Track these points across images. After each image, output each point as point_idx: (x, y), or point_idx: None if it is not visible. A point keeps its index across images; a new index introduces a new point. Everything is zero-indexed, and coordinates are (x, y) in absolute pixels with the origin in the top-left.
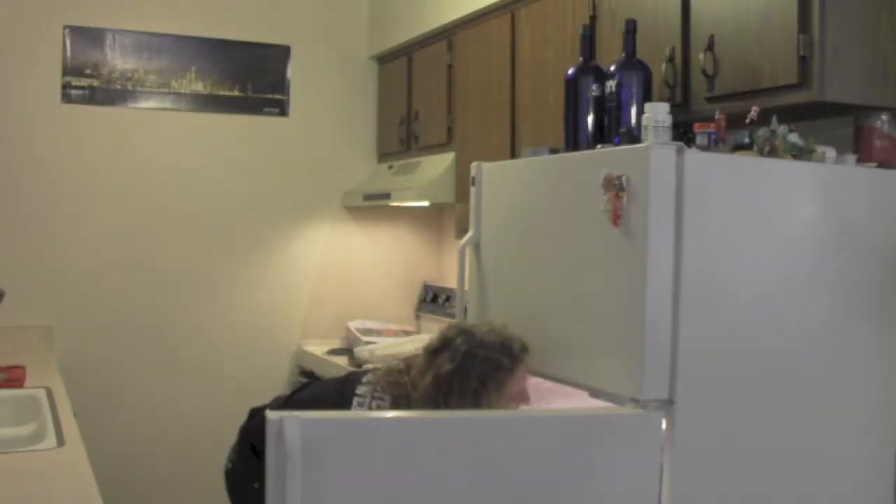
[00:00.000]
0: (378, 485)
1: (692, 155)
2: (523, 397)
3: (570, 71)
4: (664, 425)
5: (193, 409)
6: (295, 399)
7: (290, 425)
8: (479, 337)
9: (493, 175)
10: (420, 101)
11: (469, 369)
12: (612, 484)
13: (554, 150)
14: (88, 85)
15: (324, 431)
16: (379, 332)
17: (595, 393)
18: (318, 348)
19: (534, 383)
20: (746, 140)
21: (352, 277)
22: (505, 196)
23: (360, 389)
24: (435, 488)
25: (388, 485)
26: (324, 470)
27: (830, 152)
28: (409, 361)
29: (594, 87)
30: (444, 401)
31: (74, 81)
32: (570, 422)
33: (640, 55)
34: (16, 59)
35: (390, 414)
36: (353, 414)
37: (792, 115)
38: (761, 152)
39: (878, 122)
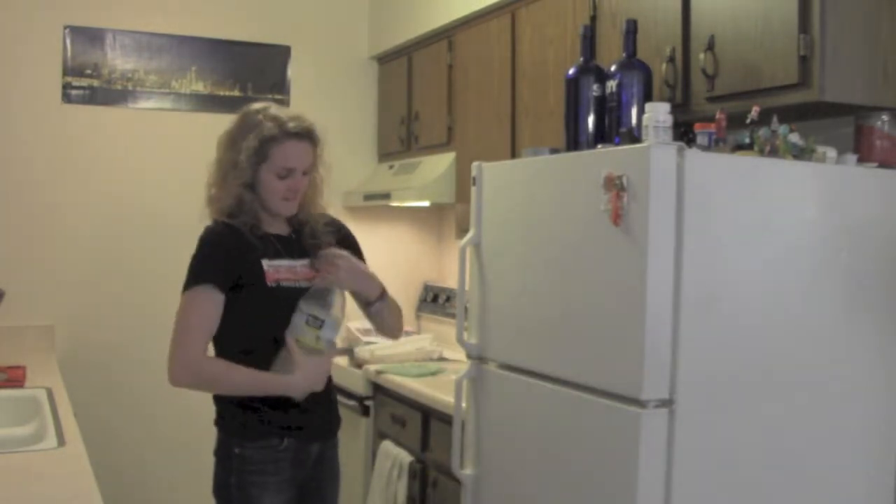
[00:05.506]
0: None
1: (692, 155)
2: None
3: (571, 71)
4: (664, 425)
5: (194, 409)
6: None
7: None
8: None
9: (493, 175)
10: (420, 101)
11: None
12: (611, 483)
13: (554, 150)
14: (88, 85)
15: None
16: None
17: (595, 393)
18: None
19: None
20: (747, 140)
21: None
22: (505, 196)
23: None
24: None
25: None
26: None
27: (830, 152)
28: None
29: (595, 87)
30: None
31: (74, 81)
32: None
33: (640, 55)
34: (16, 59)
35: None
36: None
37: (792, 115)
38: (762, 152)
39: (879, 122)
